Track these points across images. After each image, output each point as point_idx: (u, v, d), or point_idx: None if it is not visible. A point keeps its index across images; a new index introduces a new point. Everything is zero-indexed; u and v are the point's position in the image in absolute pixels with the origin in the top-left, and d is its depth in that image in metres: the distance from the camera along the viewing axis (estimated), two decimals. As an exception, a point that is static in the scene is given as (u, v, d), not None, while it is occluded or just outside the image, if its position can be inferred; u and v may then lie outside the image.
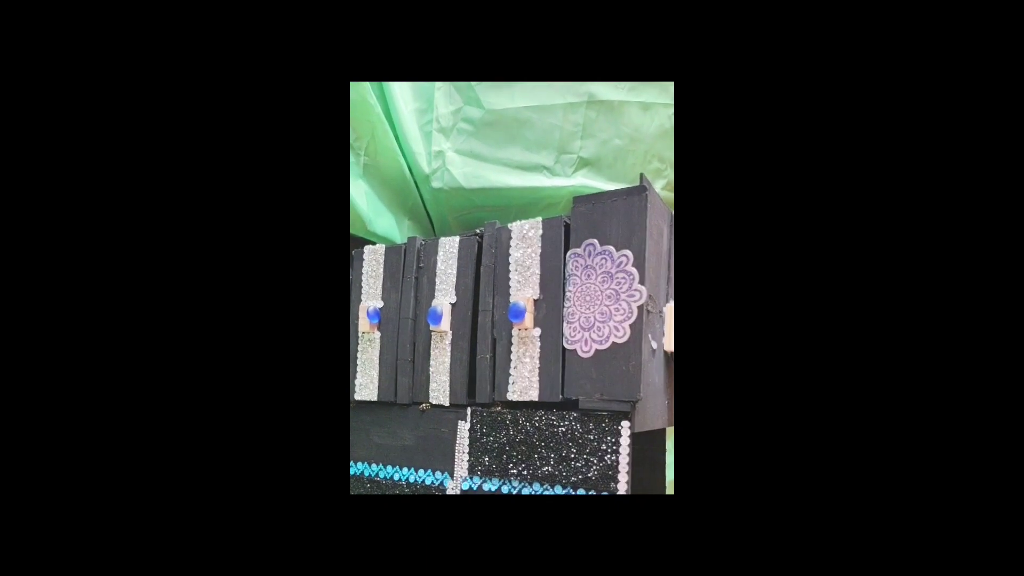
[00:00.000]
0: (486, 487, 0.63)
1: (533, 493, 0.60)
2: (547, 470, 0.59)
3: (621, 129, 0.76)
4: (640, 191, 0.56)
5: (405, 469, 0.70)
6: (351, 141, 0.76)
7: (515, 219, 0.64)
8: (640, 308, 0.55)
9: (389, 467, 0.71)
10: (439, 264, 0.69)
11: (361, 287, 0.75)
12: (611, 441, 0.56)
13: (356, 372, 0.75)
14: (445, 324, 0.67)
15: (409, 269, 0.72)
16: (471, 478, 0.65)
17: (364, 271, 0.75)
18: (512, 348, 0.62)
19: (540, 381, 0.60)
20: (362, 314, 0.74)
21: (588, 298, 0.58)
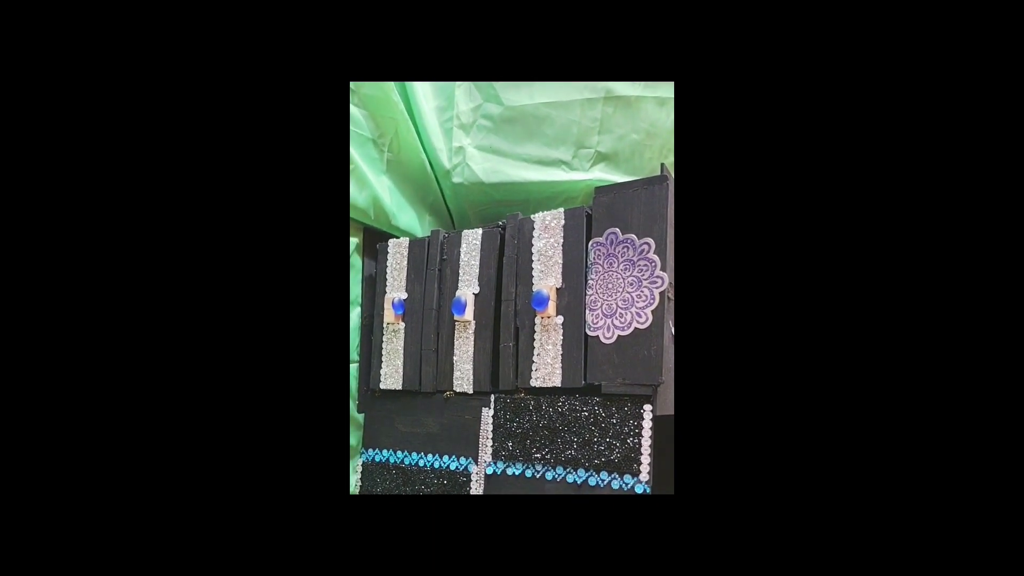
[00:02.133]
0: (510, 472, 0.65)
1: (556, 476, 0.62)
2: (570, 454, 0.61)
3: (638, 124, 0.78)
4: (661, 180, 0.58)
5: (430, 456, 0.72)
6: (375, 138, 0.78)
7: (534, 213, 0.66)
8: (662, 294, 0.56)
9: (414, 454, 0.73)
10: (462, 256, 0.71)
11: (386, 279, 0.77)
12: (633, 424, 0.57)
13: (382, 362, 0.77)
14: (469, 314, 0.69)
15: (433, 261, 0.74)
16: (495, 463, 0.66)
17: (389, 263, 0.77)
18: (535, 335, 0.64)
19: (563, 367, 0.62)
20: (387, 305, 0.76)
21: (610, 285, 0.59)
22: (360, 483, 0.77)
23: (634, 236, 0.58)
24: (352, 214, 0.76)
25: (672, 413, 0.60)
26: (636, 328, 0.57)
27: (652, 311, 0.57)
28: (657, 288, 0.57)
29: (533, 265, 0.65)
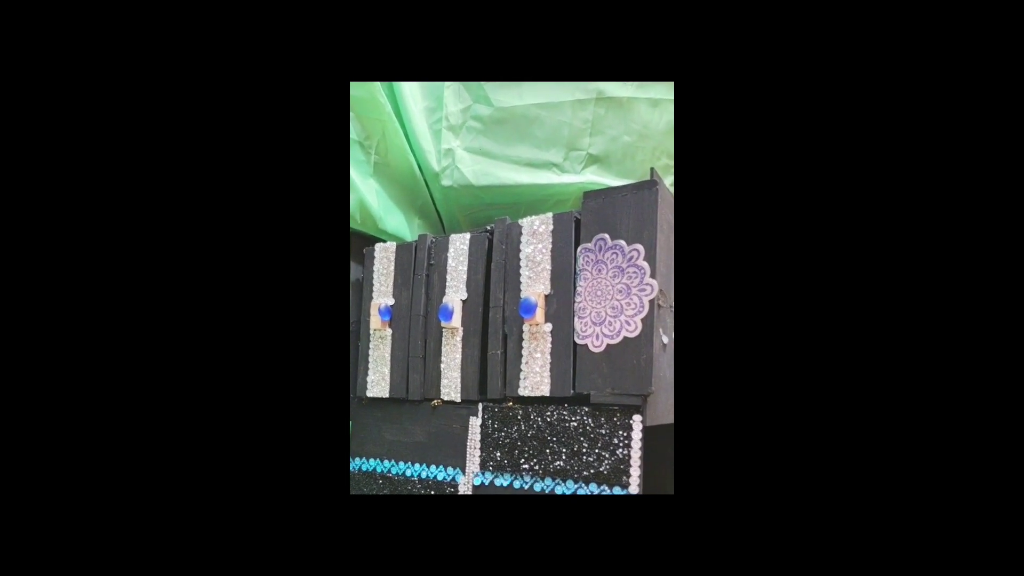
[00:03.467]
0: (498, 482, 0.64)
1: (544, 488, 0.60)
2: (559, 465, 0.59)
3: (630, 126, 0.76)
4: (651, 185, 0.56)
5: (417, 465, 0.70)
6: (362, 140, 0.77)
7: (525, 216, 0.65)
8: (651, 302, 0.55)
9: (401, 463, 0.72)
10: (450, 261, 0.70)
11: (373, 285, 0.76)
12: (623, 435, 0.56)
13: (368, 369, 0.75)
14: (456, 320, 0.67)
15: (420, 266, 0.72)
16: (483, 473, 0.65)
17: (375, 269, 0.76)
18: (523, 343, 0.63)
19: (551, 376, 0.61)
20: (374, 311, 0.74)
21: (599, 293, 0.58)
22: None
23: (623, 242, 0.57)
24: (338, 218, 0.74)
25: (671, 422, 0.58)
26: (625, 336, 0.56)
27: (642, 319, 0.55)
28: (647, 296, 0.55)
29: (521, 271, 0.64)
